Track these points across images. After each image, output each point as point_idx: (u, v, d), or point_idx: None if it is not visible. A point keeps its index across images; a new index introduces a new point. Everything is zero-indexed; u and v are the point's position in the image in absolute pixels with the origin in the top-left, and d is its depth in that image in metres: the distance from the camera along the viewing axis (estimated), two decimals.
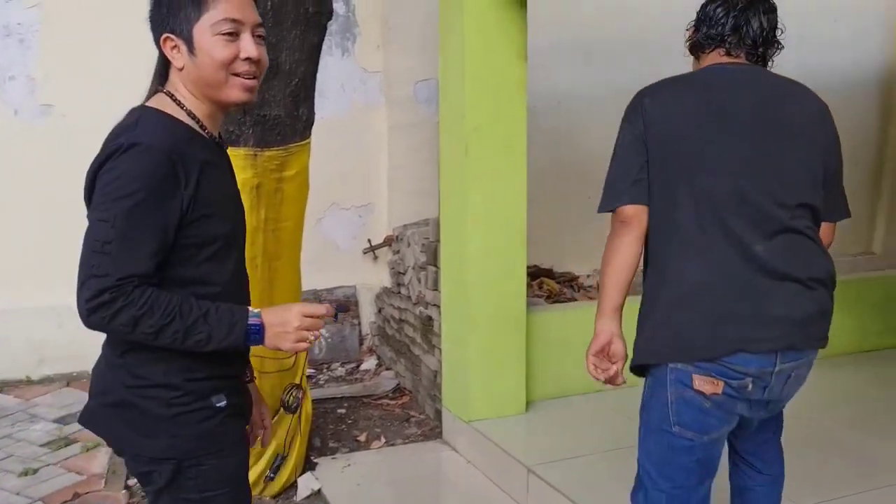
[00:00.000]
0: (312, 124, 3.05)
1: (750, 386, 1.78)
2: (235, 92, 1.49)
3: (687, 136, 1.82)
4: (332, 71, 4.71)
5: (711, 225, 1.78)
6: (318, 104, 3.09)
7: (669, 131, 1.83)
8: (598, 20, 5.09)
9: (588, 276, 5.44)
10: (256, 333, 1.46)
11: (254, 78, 1.51)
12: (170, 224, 1.39)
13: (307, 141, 3.04)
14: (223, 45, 1.45)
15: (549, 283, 4.90)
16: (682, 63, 2.12)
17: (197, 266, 1.46)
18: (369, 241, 4.98)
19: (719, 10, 1.90)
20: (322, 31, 2.96)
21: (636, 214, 1.85)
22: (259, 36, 1.51)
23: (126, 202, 1.35)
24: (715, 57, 1.93)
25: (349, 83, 4.83)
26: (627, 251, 1.87)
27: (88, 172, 1.44)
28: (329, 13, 2.94)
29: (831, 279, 1.87)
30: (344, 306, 1.53)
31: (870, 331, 4.55)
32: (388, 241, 4.91)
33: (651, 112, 1.85)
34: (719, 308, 1.77)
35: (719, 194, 1.78)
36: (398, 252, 4.68)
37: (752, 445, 2.07)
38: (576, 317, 3.86)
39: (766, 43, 1.91)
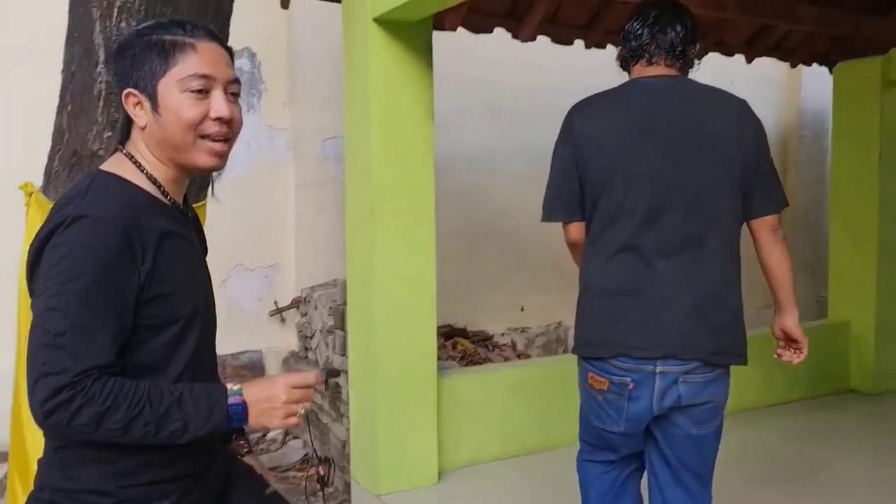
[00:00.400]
0: (209, 185, 2.89)
1: (631, 384, 1.95)
2: (202, 157, 1.34)
3: (608, 153, 1.98)
4: None
5: (621, 237, 1.96)
6: None
7: (595, 148, 2.01)
8: (505, 79, 5.16)
9: (503, 334, 5.39)
10: (239, 413, 1.30)
11: (225, 140, 1.36)
12: (128, 305, 1.25)
13: (202, 202, 2.87)
14: (191, 103, 1.31)
15: (463, 343, 4.81)
16: None
17: (152, 352, 1.30)
18: (276, 303, 4.78)
19: (636, 24, 2.08)
20: None
21: (579, 234, 2.10)
22: (233, 93, 1.37)
23: (76, 285, 1.19)
24: (640, 69, 2.08)
25: (255, 140, 4.69)
26: None
27: (31, 247, 1.27)
28: None
29: (728, 297, 1.98)
30: (334, 371, 1.38)
31: (775, 384, 4.63)
32: (295, 303, 4.73)
33: (579, 131, 2.03)
34: (614, 314, 1.97)
35: (633, 208, 1.93)
36: (306, 315, 4.51)
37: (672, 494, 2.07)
38: (489, 380, 3.77)
39: (684, 43, 2.05)
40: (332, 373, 1.48)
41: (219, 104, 1.33)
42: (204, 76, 1.32)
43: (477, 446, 3.63)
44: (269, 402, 1.32)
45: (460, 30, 3.84)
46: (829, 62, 5.00)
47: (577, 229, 2.10)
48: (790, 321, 2.11)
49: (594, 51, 4.23)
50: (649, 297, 1.93)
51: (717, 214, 1.95)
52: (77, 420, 1.18)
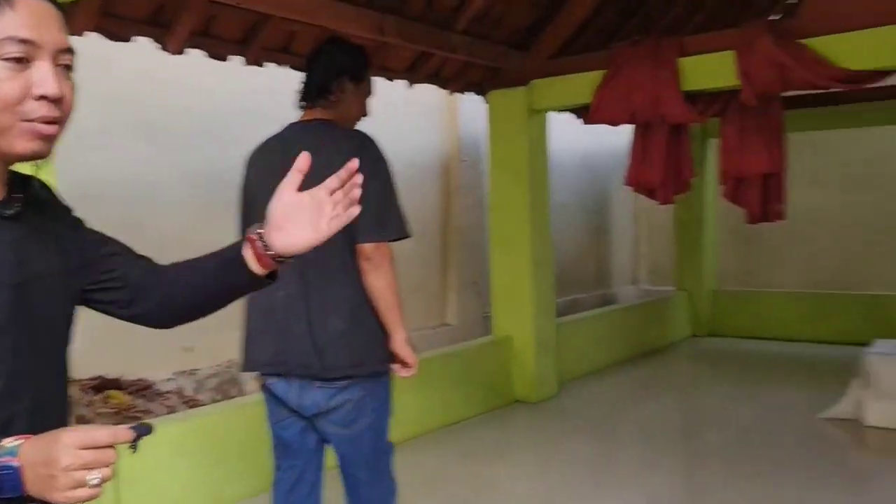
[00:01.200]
0: None
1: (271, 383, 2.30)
2: (21, 141, 1.03)
3: (253, 198, 2.28)
4: None
5: None
6: None
7: (246, 193, 2.34)
8: (159, 97, 4.64)
9: (168, 379, 4.81)
10: (11, 480, 0.94)
11: (53, 123, 1.05)
12: None
13: None
14: (7, 75, 1.01)
15: (116, 396, 4.20)
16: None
17: None
18: None
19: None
20: None
21: None
22: (65, 66, 1.07)
23: None
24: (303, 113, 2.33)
25: None
26: None
27: None
28: None
29: (332, 319, 2.20)
30: (145, 427, 0.88)
31: (453, 404, 4.73)
32: None
33: (244, 177, 2.37)
34: (251, 337, 2.31)
35: None
36: None
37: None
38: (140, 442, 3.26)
39: (326, 79, 2.26)
40: (143, 430, 1.04)
41: (44, 78, 1.03)
42: (23, 41, 1.02)
43: None
44: (46, 466, 0.95)
45: (96, 36, 3.31)
46: (482, 91, 5.30)
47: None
48: (396, 344, 2.27)
49: (258, 71, 3.96)
50: (271, 322, 2.23)
51: (324, 247, 2.12)
52: None
